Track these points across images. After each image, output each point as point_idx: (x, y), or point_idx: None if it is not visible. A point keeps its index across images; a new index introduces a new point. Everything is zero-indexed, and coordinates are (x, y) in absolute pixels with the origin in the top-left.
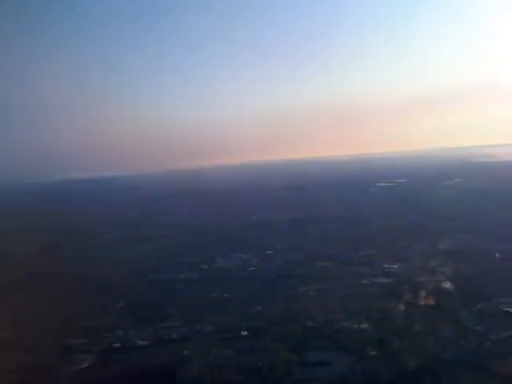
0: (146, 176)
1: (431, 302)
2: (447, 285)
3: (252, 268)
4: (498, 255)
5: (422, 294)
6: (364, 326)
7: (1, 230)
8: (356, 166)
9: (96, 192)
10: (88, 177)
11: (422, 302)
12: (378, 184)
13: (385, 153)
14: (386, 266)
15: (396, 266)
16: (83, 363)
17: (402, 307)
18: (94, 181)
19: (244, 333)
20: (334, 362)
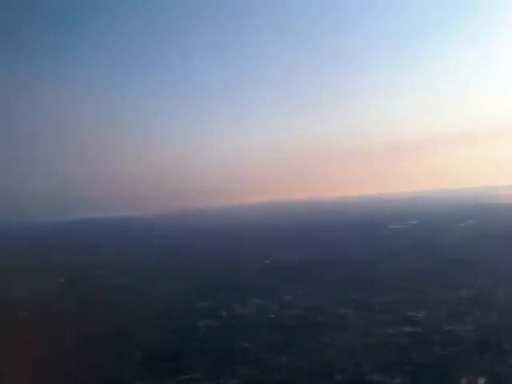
0: (158, 217)
1: (465, 353)
2: (478, 334)
3: (271, 315)
4: None
5: (454, 344)
6: (397, 380)
7: (9, 272)
8: (367, 206)
9: (107, 233)
10: (99, 217)
11: (456, 354)
12: (389, 226)
13: (395, 193)
14: (409, 313)
15: (420, 314)
16: None
17: (434, 359)
18: (105, 221)
19: None
20: None
